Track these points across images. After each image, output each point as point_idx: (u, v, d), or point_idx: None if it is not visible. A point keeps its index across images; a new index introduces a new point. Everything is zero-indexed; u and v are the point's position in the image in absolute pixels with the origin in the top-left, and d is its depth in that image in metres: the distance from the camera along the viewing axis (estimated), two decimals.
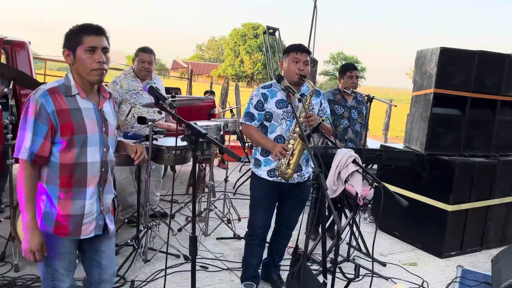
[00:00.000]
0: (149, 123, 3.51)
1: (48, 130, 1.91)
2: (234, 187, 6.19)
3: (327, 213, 4.19)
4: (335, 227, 4.44)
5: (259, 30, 57.83)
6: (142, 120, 3.61)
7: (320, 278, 2.73)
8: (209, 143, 4.14)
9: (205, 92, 8.04)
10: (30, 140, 1.89)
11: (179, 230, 4.42)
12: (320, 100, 3.24)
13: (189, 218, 4.56)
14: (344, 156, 2.63)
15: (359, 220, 4.33)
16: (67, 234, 2.03)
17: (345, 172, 2.64)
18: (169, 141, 4.00)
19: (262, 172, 3.14)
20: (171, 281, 3.44)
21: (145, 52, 4.27)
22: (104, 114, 2.09)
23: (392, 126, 14.95)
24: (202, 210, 4.46)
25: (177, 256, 3.82)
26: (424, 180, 4.54)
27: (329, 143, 4.04)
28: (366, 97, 3.92)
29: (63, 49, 1.99)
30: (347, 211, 4.30)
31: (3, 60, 4.91)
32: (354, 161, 2.62)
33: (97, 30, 1.98)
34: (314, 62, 9.40)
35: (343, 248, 4.12)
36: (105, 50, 1.99)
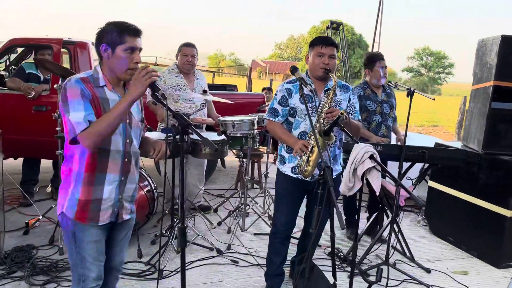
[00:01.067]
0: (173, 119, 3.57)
1: (94, 107, 1.97)
2: None
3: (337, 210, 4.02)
4: (377, 228, 4.23)
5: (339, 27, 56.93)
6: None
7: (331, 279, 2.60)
8: (246, 138, 4.14)
9: (263, 89, 8.06)
10: (82, 113, 1.92)
11: (219, 223, 4.47)
12: (349, 96, 3.08)
13: (231, 212, 4.59)
14: (360, 152, 2.47)
15: (400, 221, 4.09)
16: (86, 220, 2.07)
17: (361, 169, 2.47)
18: (206, 136, 4.05)
19: (286, 169, 3.06)
20: (200, 273, 3.49)
21: (187, 46, 4.37)
22: None
23: None
24: (239, 205, 4.46)
25: (211, 249, 3.86)
26: (481, 182, 4.14)
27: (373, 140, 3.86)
28: (407, 91, 3.66)
29: (100, 43, 2.04)
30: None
31: (67, 60, 5.30)
32: (371, 157, 2.45)
33: (137, 32, 2.05)
34: None
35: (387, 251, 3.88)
36: (140, 51, 2.08)
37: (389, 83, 3.95)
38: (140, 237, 4.00)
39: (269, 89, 8.05)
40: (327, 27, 9.80)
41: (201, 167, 4.59)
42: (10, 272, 3.27)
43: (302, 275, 2.33)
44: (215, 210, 4.82)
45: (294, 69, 2.67)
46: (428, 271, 3.80)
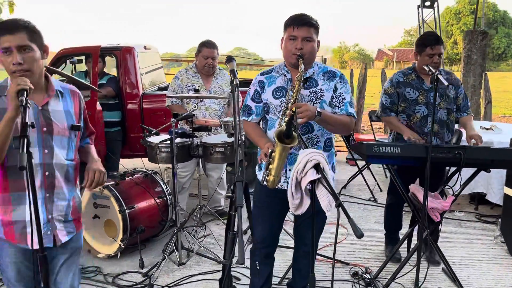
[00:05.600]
0: (171, 120, 3.33)
1: None
2: (345, 187, 5.47)
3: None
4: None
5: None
6: (175, 116, 3.46)
7: None
8: None
9: None
10: None
11: (245, 232, 4.11)
12: (335, 85, 2.48)
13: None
14: (303, 160, 1.91)
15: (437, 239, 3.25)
16: (15, 241, 1.93)
17: (304, 181, 1.91)
18: (215, 138, 3.75)
19: (262, 176, 2.60)
20: None
21: (207, 47, 4.07)
22: (48, 113, 1.94)
23: None
24: None
25: (219, 262, 3.54)
26: None
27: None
28: (430, 75, 2.85)
29: None
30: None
31: (114, 65, 5.45)
32: (316, 167, 1.88)
33: (10, 28, 1.79)
34: (484, 35, 7.58)
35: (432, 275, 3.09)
36: (24, 48, 1.81)
37: (424, 67, 3.12)
38: (155, 245, 3.89)
39: None
40: (418, 6, 8.48)
41: (219, 170, 4.29)
42: None
43: None
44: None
45: (228, 59, 2.21)
46: None
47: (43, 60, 1.95)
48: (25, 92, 1.70)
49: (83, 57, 5.47)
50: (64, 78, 4.29)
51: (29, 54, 1.82)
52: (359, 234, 1.62)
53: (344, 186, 5.45)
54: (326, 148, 2.53)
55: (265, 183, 2.36)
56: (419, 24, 8.55)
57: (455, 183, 2.91)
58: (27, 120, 1.64)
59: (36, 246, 1.88)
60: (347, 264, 3.53)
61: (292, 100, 2.33)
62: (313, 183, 1.93)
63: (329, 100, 2.47)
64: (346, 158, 6.84)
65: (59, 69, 5.31)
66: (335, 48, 66.59)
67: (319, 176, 1.87)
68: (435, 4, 8.32)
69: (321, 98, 2.46)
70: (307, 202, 2.00)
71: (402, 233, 3.64)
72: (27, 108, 1.68)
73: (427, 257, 3.53)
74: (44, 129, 1.91)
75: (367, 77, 7.62)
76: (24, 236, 1.92)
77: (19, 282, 1.98)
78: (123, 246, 3.50)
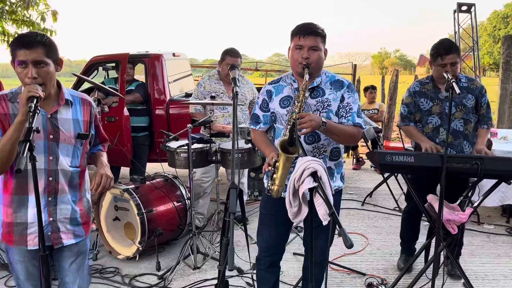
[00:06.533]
0: (188, 126, 3.38)
1: (1, 126, 1.91)
2: (371, 196, 5.37)
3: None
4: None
5: None
6: (192, 122, 3.52)
7: None
8: None
9: (366, 88, 7.20)
10: None
11: None
12: (342, 94, 2.45)
13: None
14: (300, 168, 1.90)
15: (455, 253, 3.11)
16: (13, 243, 2.02)
17: (301, 189, 1.90)
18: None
19: (266, 185, 2.60)
20: None
21: (231, 55, 4.09)
22: (57, 121, 2.01)
23: None
24: None
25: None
26: None
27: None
28: (445, 84, 2.75)
29: None
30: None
31: (142, 71, 5.60)
32: (313, 175, 1.86)
33: (27, 43, 1.86)
34: None
35: None
36: (38, 63, 1.87)
37: (444, 74, 3.01)
38: (173, 248, 3.95)
39: (373, 87, 7.17)
40: (454, 11, 8.17)
41: (240, 175, 4.30)
42: None
43: None
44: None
45: (231, 67, 2.23)
46: None
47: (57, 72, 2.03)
48: (36, 99, 1.80)
49: (113, 64, 5.67)
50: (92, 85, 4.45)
51: (44, 69, 1.89)
52: (349, 245, 1.59)
53: (370, 195, 5.35)
54: (332, 158, 2.50)
55: (269, 192, 2.36)
56: (454, 30, 8.25)
57: (473, 194, 2.80)
58: (33, 125, 1.73)
59: (31, 247, 1.99)
60: (363, 274, 3.46)
61: (296, 110, 2.32)
62: (312, 191, 1.92)
63: (335, 109, 2.44)
64: (371, 166, 6.72)
65: (91, 76, 5.54)
66: (375, 54, 65.47)
67: (316, 184, 1.85)
68: (472, 9, 8.01)
69: (327, 108, 2.43)
70: (305, 210, 1.99)
71: (418, 245, 3.52)
72: (36, 115, 1.77)
73: (448, 270, 3.41)
74: (51, 136, 1.98)
75: (398, 84, 7.46)
76: (24, 237, 2.00)
77: (27, 280, 2.07)
78: (141, 249, 3.58)
